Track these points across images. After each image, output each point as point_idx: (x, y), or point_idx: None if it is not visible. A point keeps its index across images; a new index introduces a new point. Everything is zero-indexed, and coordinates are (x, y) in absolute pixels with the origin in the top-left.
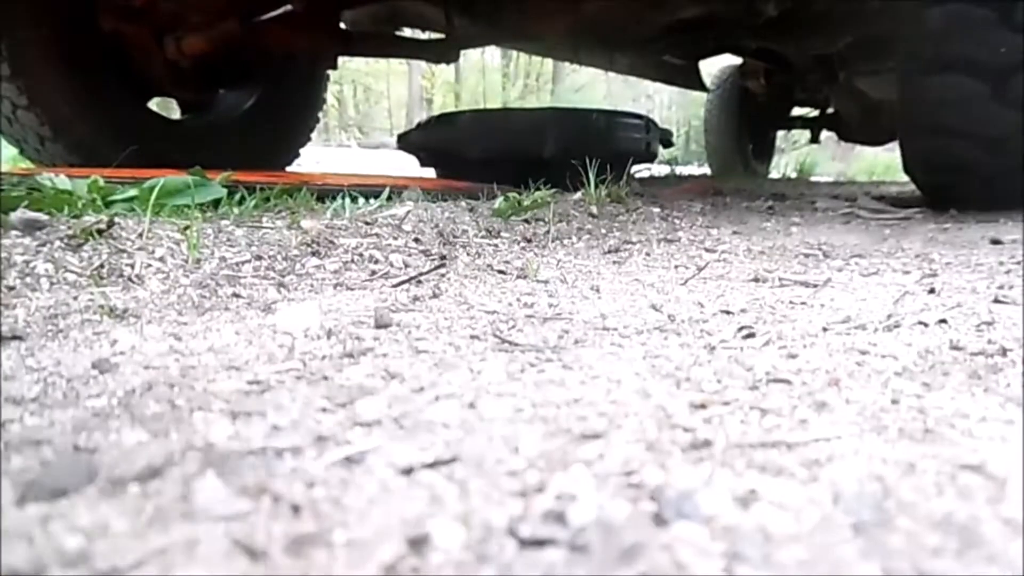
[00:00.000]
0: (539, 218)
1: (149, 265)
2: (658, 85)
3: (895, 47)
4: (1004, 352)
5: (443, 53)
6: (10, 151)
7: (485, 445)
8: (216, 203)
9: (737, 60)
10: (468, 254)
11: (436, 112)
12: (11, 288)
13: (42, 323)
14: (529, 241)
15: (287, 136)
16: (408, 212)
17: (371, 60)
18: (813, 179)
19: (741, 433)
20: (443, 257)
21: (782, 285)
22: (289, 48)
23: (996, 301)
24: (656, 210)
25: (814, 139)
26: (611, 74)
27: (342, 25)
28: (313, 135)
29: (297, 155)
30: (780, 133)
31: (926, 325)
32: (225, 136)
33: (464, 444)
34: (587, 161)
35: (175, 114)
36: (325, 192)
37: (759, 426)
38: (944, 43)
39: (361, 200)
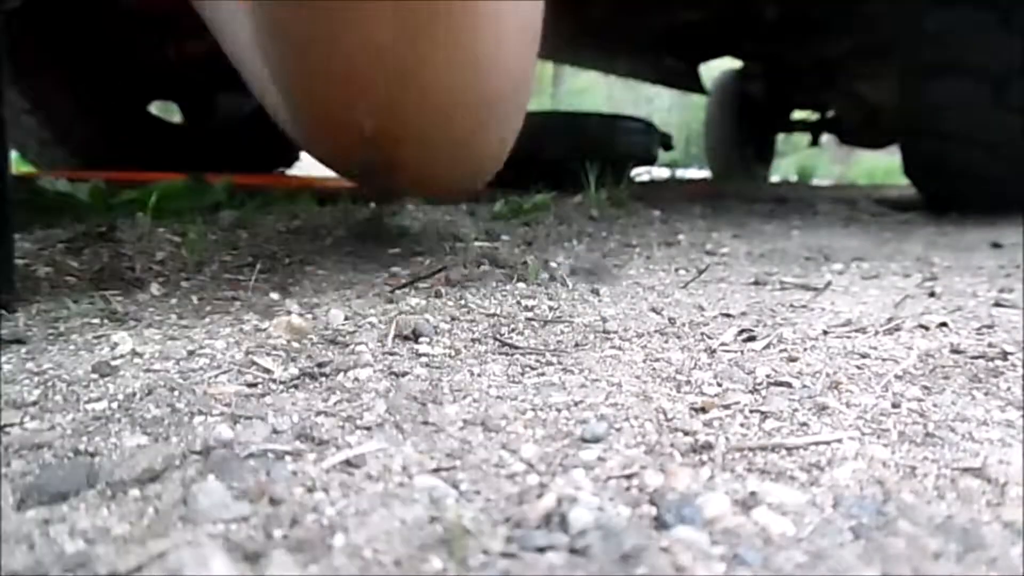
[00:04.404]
0: (539, 221)
1: (149, 268)
2: (658, 88)
3: (896, 51)
4: (1005, 356)
5: None
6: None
7: (485, 448)
8: (216, 206)
9: (737, 63)
10: (468, 257)
11: None
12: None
13: (42, 326)
14: (529, 244)
15: (288, 139)
16: (408, 215)
17: None
18: (813, 182)
19: (741, 436)
20: (443, 260)
21: (783, 288)
22: None
23: (996, 304)
24: (656, 213)
25: (814, 142)
26: (611, 77)
27: None
28: None
29: (297, 158)
30: (780, 136)
31: (927, 328)
32: (226, 140)
33: (464, 447)
34: (587, 164)
35: (176, 118)
36: (326, 195)
37: (759, 429)
38: (945, 47)
39: (361, 203)
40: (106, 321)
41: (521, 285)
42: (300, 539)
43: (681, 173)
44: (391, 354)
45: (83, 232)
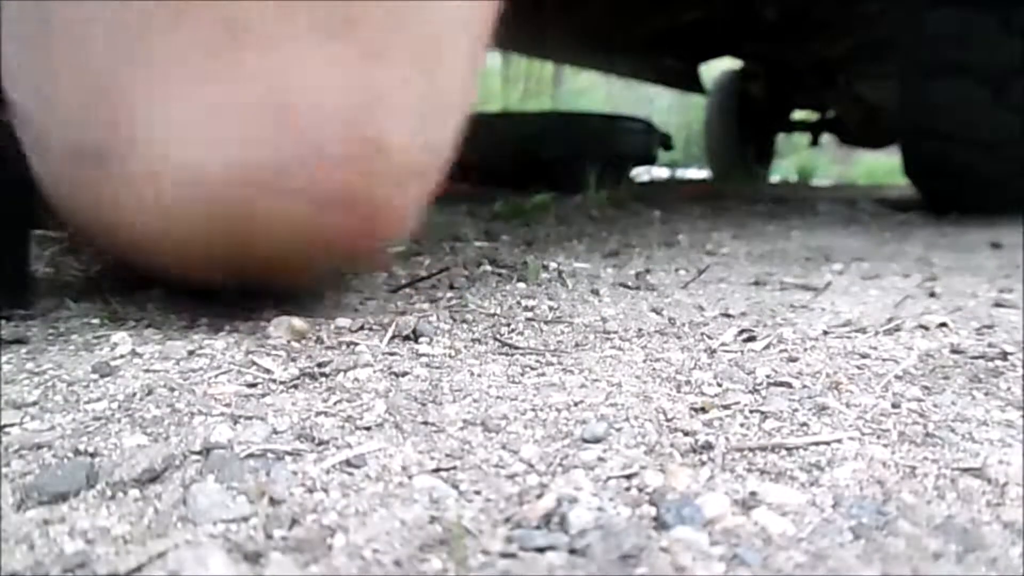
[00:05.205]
0: (539, 221)
1: None
2: (658, 88)
3: (896, 51)
4: (1005, 356)
5: None
6: None
7: (485, 448)
8: None
9: (737, 63)
10: (468, 257)
11: None
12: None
13: (42, 326)
14: (529, 244)
15: None
16: None
17: None
18: (813, 182)
19: (741, 436)
20: (443, 260)
21: (782, 288)
22: None
23: (996, 305)
24: (656, 213)
25: (814, 142)
26: (611, 77)
27: None
28: None
29: None
30: (780, 136)
31: (927, 328)
32: None
33: (464, 447)
34: (587, 164)
35: None
36: None
37: (760, 429)
38: (945, 47)
39: None
40: (106, 321)
41: (521, 285)
42: (300, 539)
43: (681, 173)
44: (391, 354)
45: None
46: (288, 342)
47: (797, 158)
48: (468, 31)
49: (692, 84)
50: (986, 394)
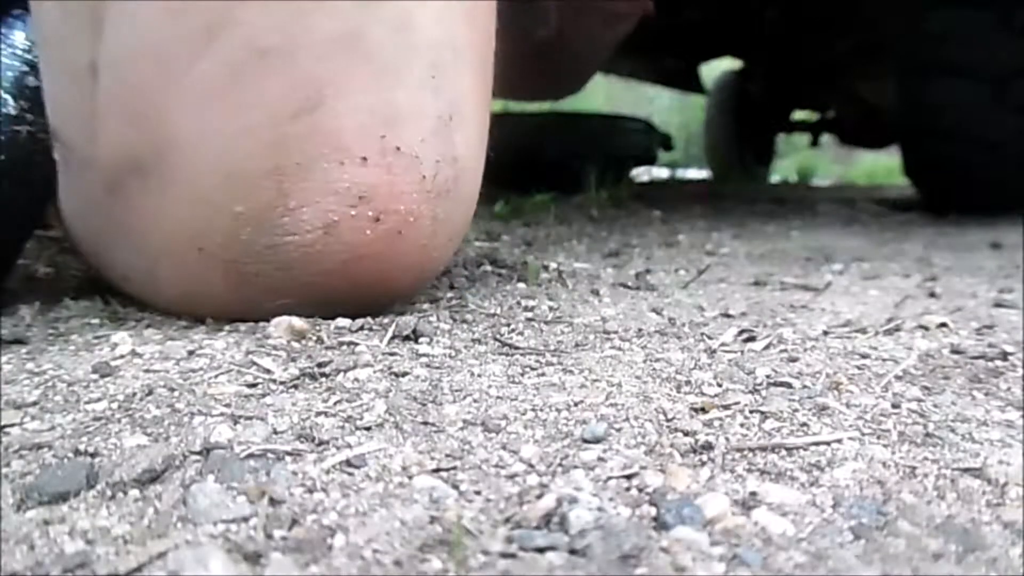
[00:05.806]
0: (539, 221)
1: None
2: (658, 88)
3: (896, 51)
4: (1005, 356)
5: None
6: None
7: (485, 448)
8: None
9: (737, 63)
10: (468, 257)
11: None
12: (12, 292)
13: (43, 326)
14: (529, 244)
15: None
16: None
17: None
18: (813, 183)
19: (741, 436)
20: None
21: (783, 288)
22: None
23: (996, 304)
24: (656, 213)
25: (814, 142)
26: (611, 77)
27: None
28: None
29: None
30: (780, 136)
31: (927, 329)
32: None
33: (464, 447)
34: (587, 164)
35: None
36: None
37: (760, 430)
38: (945, 47)
39: None
40: (106, 321)
41: (521, 285)
42: (300, 539)
43: (681, 173)
44: (391, 354)
45: None
46: (288, 342)
47: (797, 158)
48: (472, 49)
49: (692, 84)
50: (986, 394)
